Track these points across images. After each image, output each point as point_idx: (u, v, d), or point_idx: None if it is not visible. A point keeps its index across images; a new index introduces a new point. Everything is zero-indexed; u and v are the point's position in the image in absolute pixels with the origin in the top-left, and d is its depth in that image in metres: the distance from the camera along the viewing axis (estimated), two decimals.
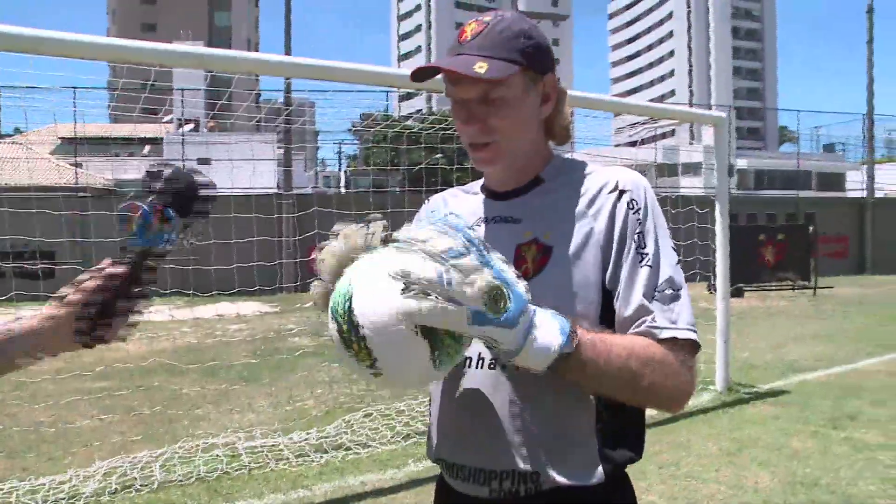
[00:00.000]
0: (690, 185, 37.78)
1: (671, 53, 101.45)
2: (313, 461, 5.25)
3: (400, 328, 1.05)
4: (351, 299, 1.09)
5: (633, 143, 40.32)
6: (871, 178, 28.26)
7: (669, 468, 4.99)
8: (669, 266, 1.29)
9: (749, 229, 18.88)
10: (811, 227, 18.94)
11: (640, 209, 1.31)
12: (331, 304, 1.14)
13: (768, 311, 14.76)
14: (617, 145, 38.71)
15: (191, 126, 34.14)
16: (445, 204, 1.55)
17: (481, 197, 1.48)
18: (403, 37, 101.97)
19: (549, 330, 1.10)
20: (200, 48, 5.27)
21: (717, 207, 7.25)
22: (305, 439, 5.72)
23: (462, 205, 1.49)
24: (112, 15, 76.91)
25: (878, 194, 29.21)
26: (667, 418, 6.30)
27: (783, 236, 18.58)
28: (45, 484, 4.84)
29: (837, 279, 21.45)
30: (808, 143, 48.33)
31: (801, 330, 11.80)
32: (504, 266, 1.08)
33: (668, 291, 1.27)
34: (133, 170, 36.27)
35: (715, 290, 18.43)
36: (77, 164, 25.90)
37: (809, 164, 44.73)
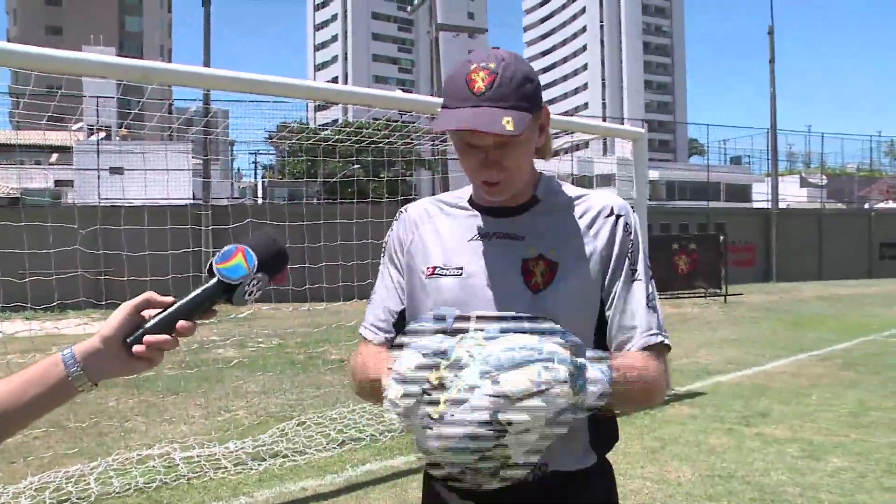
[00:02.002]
0: None
1: (585, 67, 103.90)
2: (252, 469, 5.30)
3: None
4: None
5: (553, 155, 41.17)
6: (775, 188, 29.61)
7: None
8: (651, 281, 1.52)
9: (663, 239, 19.57)
10: (721, 237, 19.77)
11: (631, 232, 1.51)
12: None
13: (682, 318, 15.33)
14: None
15: (102, 134, 33.25)
16: (429, 218, 1.61)
17: (473, 213, 1.57)
18: (319, 46, 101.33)
19: (598, 381, 1.26)
20: (127, 61, 5.24)
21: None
22: (241, 448, 5.76)
23: (453, 223, 1.58)
24: (13, 15, 73.77)
25: (781, 205, 30.66)
26: None
27: (695, 246, 19.35)
28: None
29: (746, 286, 22.45)
30: (716, 155, 50.18)
31: (714, 335, 12.36)
32: (571, 358, 1.23)
33: (653, 302, 1.50)
34: (40, 178, 35.15)
35: None
36: None
37: (718, 176, 46.50)
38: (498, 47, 1.53)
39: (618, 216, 1.51)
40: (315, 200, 26.36)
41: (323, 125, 45.04)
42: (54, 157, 37.57)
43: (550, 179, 1.59)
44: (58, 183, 35.11)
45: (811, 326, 13.52)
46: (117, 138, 32.58)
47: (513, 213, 1.53)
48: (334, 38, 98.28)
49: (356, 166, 29.30)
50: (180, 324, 1.19)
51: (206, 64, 20.67)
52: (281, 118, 39.19)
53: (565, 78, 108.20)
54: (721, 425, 6.36)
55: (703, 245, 19.50)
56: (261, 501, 4.70)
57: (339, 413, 6.78)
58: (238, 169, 42.84)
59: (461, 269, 1.50)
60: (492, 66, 1.39)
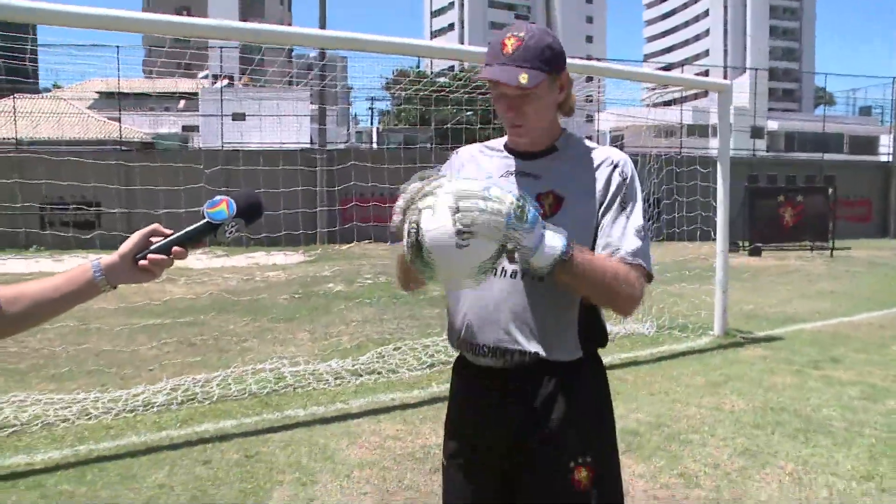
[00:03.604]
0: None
1: (706, 13, 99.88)
2: (349, 382, 6.07)
3: (451, 242, 1.59)
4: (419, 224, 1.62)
5: (665, 104, 40.40)
6: None
7: (659, 395, 5.70)
8: (640, 217, 1.94)
9: (769, 190, 19.18)
10: (830, 190, 19.28)
11: (626, 178, 1.94)
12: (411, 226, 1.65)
13: (783, 270, 15.24)
14: (649, 105, 38.79)
15: (226, 82, 34.80)
16: (474, 160, 2.03)
17: (505, 154, 1.99)
18: (436, 13, 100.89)
19: (554, 238, 1.71)
20: (242, 24, 5.93)
21: (718, 168, 7.84)
22: (342, 366, 6.53)
23: (491, 162, 2.00)
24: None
25: None
26: (665, 356, 7.02)
27: (802, 198, 18.97)
28: (122, 395, 5.68)
29: (857, 242, 21.77)
30: (843, 106, 47.92)
31: (809, 288, 12.34)
32: (525, 195, 1.68)
33: (641, 233, 1.91)
34: (169, 124, 37.27)
35: (739, 249, 18.88)
36: (118, 119, 26.82)
37: (843, 127, 44.52)
38: (534, 22, 2.00)
39: (615, 165, 1.94)
40: (427, 145, 27.03)
41: (438, 72, 45.31)
42: (181, 103, 39.55)
43: (571, 135, 2.03)
44: (185, 128, 37.10)
45: None
46: (239, 85, 34.08)
47: (535, 157, 1.95)
48: (451, 5, 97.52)
49: (468, 113, 29.76)
50: (175, 249, 1.57)
51: (322, 22, 21.42)
52: (397, 65, 39.84)
53: (686, 24, 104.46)
54: (789, 367, 6.65)
55: (810, 198, 19.07)
56: (355, 408, 5.42)
57: (432, 341, 7.45)
58: (355, 115, 43.94)
59: None
60: (521, 34, 1.83)
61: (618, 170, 1.93)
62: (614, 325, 8.13)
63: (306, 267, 14.90)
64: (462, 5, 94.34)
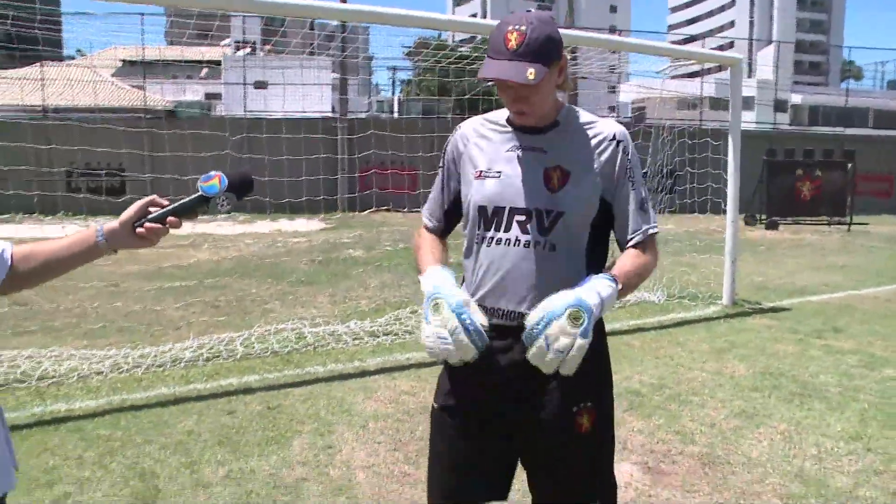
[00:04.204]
0: (744, 120, 37.38)
1: None
2: (367, 342, 6.36)
3: None
4: None
5: (688, 76, 40.09)
6: None
7: (664, 359, 5.93)
8: (644, 188, 2.14)
9: (786, 164, 19.17)
10: (849, 165, 19.24)
11: (629, 154, 2.10)
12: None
13: (798, 244, 15.31)
14: (664, 78, 38.44)
15: (248, 50, 34.95)
16: (477, 134, 2.12)
17: (509, 130, 2.08)
18: None
19: (600, 285, 1.86)
20: None
21: (729, 140, 7.98)
22: (360, 327, 6.81)
23: (494, 137, 2.09)
24: None
25: None
26: (672, 323, 7.24)
27: (821, 172, 18.96)
28: (151, 352, 5.99)
29: (878, 217, 21.67)
30: (872, 79, 47.36)
31: (821, 261, 12.44)
32: (560, 300, 1.82)
33: (647, 203, 2.13)
34: (191, 92, 37.55)
35: (756, 222, 18.88)
36: (142, 87, 27.14)
37: (873, 101, 44.02)
38: (531, 10, 2.14)
39: (619, 142, 2.08)
40: (448, 116, 27.10)
41: (461, 41, 45.08)
42: (203, 71, 39.71)
43: (572, 109, 2.16)
44: (207, 96, 37.36)
45: None
46: (261, 54, 34.19)
47: (540, 132, 2.03)
48: None
49: (490, 83, 29.65)
50: (170, 219, 1.70)
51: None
52: (419, 34, 39.76)
53: None
54: (792, 336, 6.85)
55: (828, 172, 19.04)
56: (372, 366, 5.71)
57: None
58: (376, 84, 43.89)
59: (500, 172, 2.03)
60: (523, 28, 1.88)
61: (621, 146, 2.07)
62: None
63: (327, 233, 15.18)
64: None
